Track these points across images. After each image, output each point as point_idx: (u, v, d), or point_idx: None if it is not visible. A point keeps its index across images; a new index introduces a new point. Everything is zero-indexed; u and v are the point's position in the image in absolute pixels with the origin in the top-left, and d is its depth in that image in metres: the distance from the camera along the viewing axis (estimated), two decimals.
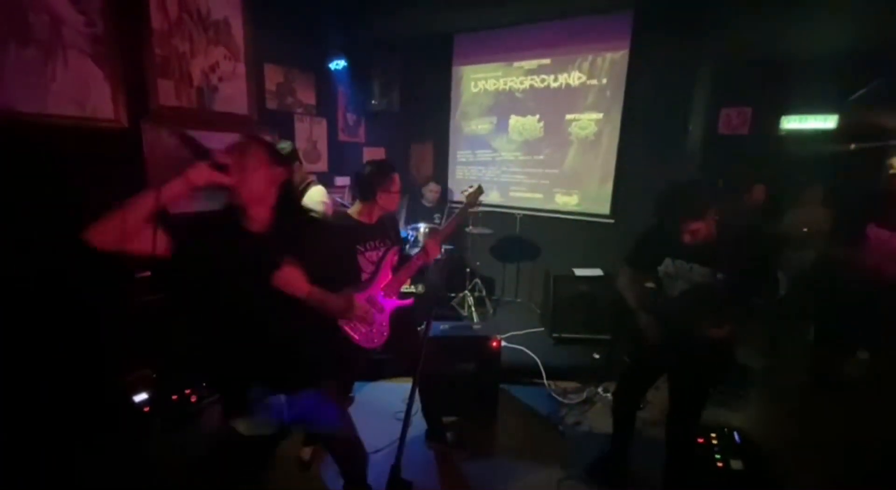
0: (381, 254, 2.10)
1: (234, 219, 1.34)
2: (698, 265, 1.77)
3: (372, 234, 2.10)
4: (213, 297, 1.36)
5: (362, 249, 2.06)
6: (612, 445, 2.27)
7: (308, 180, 2.83)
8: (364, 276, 2.05)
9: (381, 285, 2.08)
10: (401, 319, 2.14)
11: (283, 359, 1.43)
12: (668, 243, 1.82)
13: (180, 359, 2.54)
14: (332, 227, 2.07)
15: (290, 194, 1.45)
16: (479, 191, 2.36)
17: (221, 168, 1.21)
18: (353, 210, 2.13)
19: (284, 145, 2.67)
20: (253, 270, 1.29)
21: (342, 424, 1.68)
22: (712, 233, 1.72)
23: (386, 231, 2.16)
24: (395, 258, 2.16)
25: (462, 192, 2.37)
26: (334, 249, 1.95)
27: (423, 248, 2.16)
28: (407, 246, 3.55)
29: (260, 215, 1.35)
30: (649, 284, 2.03)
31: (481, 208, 4.47)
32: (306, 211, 1.70)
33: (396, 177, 2.10)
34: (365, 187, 2.07)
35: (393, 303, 2.12)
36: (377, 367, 3.22)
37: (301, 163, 2.87)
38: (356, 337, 1.98)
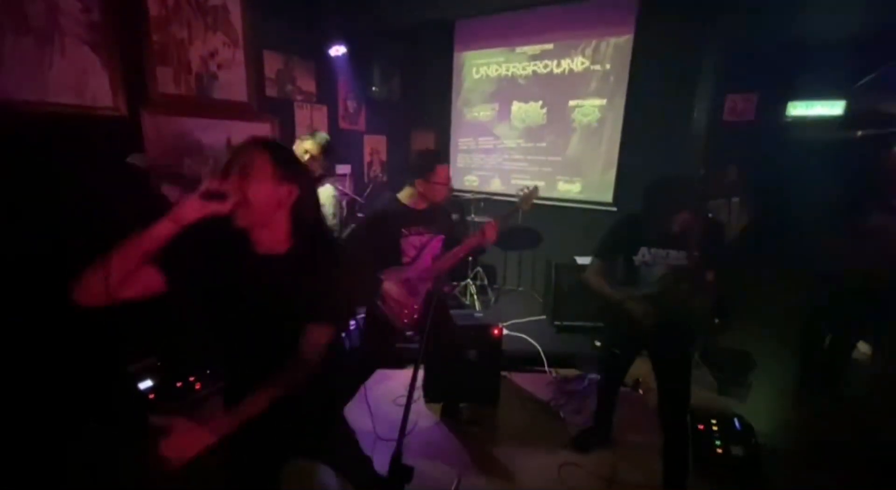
0: (424, 240, 2.15)
1: (240, 240, 1.15)
2: (674, 250, 1.94)
3: (416, 220, 2.14)
4: (216, 321, 1.21)
5: (406, 233, 2.11)
6: (595, 420, 2.46)
7: (317, 174, 2.79)
8: (405, 260, 2.13)
9: (419, 269, 2.15)
10: (438, 304, 2.22)
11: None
12: (644, 234, 1.98)
13: (184, 347, 2.56)
14: (376, 211, 2.16)
15: (307, 215, 1.21)
16: (534, 193, 2.38)
17: (217, 196, 1.05)
18: (402, 194, 2.18)
19: (319, 137, 2.66)
20: (262, 297, 1.14)
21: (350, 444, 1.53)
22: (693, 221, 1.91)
23: (433, 219, 2.19)
24: (438, 246, 2.21)
25: (519, 190, 2.39)
26: (376, 235, 2.07)
27: (482, 230, 2.18)
28: None
29: (267, 239, 1.17)
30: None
31: (482, 196, 4.47)
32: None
33: (440, 168, 2.10)
34: (408, 173, 2.14)
35: (427, 288, 2.19)
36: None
37: (326, 154, 2.81)
38: (386, 312, 2.09)
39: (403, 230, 2.10)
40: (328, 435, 1.42)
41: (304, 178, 1.20)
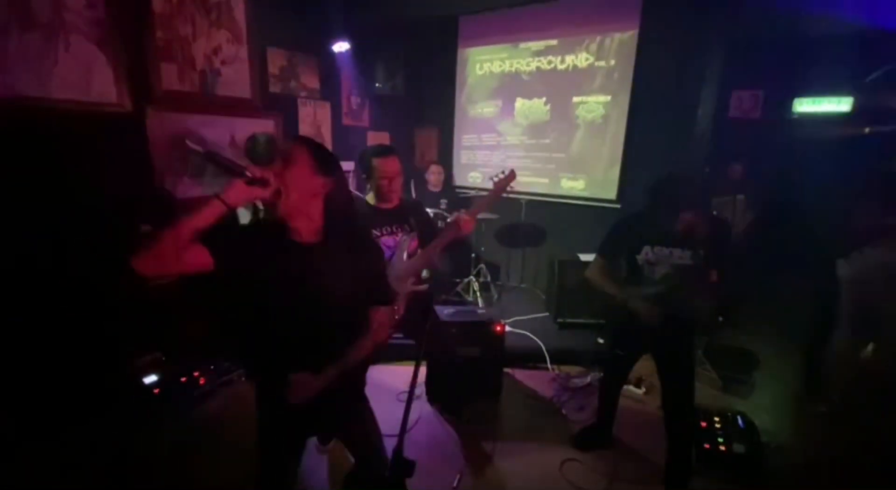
0: (397, 239, 2.12)
1: (279, 230, 1.27)
2: (678, 249, 1.91)
3: (387, 220, 2.10)
4: (255, 307, 1.31)
5: (377, 234, 2.07)
6: (597, 418, 2.45)
7: None
8: None
9: (396, 269, 2.08)
10: (418, 303, 2.14)
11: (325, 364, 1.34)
12: (648, 232, 1.95)
13: (189, 341, 2.58)
14: None
15: (340, 207, 1.32)
16: (510, 177, 2.30)
17: (259, 183, 1.17)
18: (369, 196, 2.17)
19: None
20: (300, 283, 1.25)
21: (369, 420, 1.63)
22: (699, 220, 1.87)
23: (405, 217, 2.15)
24: (414, 244, 2.16)
25: (491, 178, 2.31)
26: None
27: (455, 222, 2.13)
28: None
29: (305, 228, 1.28)
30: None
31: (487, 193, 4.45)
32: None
33: (376, 162, 2.03)
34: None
35: (407, 288, 2.11)
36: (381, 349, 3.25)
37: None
38: None
39: (374, 231, 2.04)
40: (344, 410, 1.50)
41: (339, 175, 1.31)
